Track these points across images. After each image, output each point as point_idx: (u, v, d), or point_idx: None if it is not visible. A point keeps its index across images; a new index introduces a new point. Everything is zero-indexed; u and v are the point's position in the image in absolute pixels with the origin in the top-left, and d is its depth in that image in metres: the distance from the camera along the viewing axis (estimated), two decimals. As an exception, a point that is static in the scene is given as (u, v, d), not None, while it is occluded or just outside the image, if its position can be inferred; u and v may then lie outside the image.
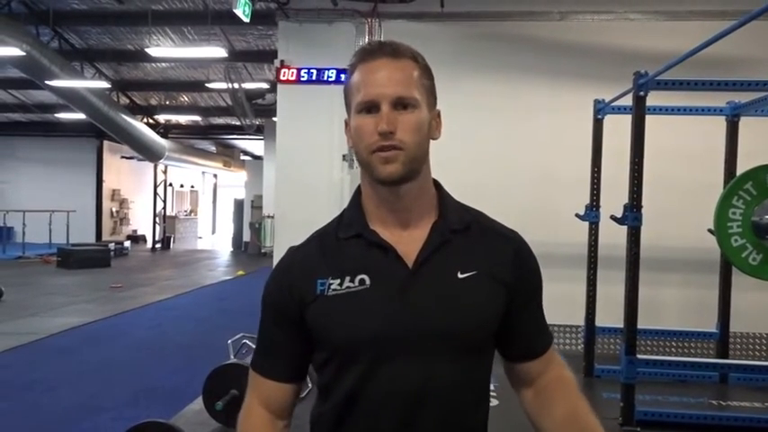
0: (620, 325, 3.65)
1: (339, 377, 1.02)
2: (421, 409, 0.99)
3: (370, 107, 0.99)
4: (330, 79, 5.69)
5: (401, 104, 0.98)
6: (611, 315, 4.38)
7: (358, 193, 1.09)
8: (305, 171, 5.84)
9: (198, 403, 4.00)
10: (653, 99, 3.58)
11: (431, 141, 1.05)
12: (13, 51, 8.56)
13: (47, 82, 9.97)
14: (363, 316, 0.99)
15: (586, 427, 1.05)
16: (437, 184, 1.10)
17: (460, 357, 1.01)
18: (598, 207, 4.43)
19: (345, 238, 1.05)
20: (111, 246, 14.72)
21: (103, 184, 17.82)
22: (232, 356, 4.17)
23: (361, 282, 1.00)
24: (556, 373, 1.12)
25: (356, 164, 5.41)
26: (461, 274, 1.02)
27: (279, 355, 1.09)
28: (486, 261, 1.04)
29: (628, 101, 3.78)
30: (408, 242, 1.02)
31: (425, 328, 0.98)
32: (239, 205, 19.33)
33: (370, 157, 0.99)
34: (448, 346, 0.99)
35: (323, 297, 1.01)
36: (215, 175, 26.01)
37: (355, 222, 1.06)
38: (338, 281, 1.01)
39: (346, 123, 1.07)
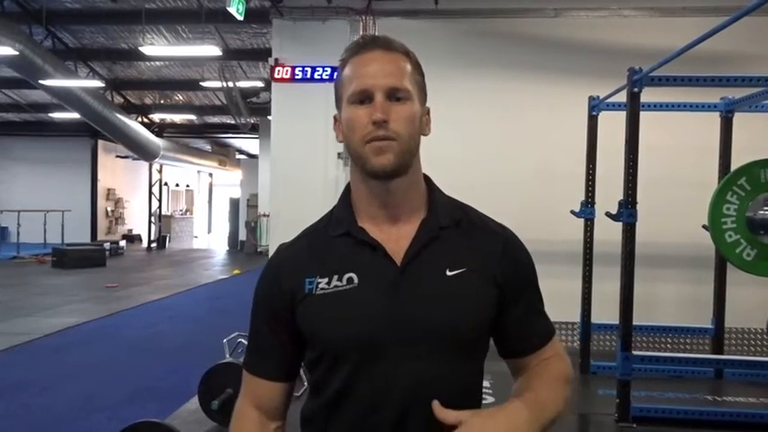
0: (616, 321, 3.65)
1: (329, 376, 1.01)
2: (411, 408, 0.97)
3: (363, 98, 0.98)
4: (324, 77, 5.69)
5: (394, 96, 0.98)
6: (606, 312, 4.39)
7: (347, 191, 1.08)
8: (300, 169, 5.83)
9: (193, 402, 3.99)
10: (647, 96, 3.58)
11: (422, 138, 1.04)
12: (6, 51, 8.53)
13: (40, 81, 9.92)
14: (351, 315, 0.98)
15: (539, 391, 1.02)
16: (427, 180, 1.09)
17: (451, 356, 0.99)
18: (593, 204, 4.43)
19: (334, 237, 1.03)
20: (107, 245, 14.70)
21: (98, 184, 17.76)
22: (227, 355, 4.16)
23: (349, 280, 0.99)
24: (546, 360, 1.09)
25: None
26: (450, 271, 1.00)
27: (270, 354, 1.07)
28: (476, 258, 1.02)
29: (622, 97, 3.78)
30: (397, 239, 1.01)
31: (413, 327, 0.97)
32: (235, 204, 19.28)
33: (362, 149, 0.97)
34: (437, 345, 0.98)
35: (311, 296, 1.00)
36: (210, 174, 25.95)
37: (344, 220, 1.04)
38: (326, 280, 1.00)
39: (335, 119, 1.06)
